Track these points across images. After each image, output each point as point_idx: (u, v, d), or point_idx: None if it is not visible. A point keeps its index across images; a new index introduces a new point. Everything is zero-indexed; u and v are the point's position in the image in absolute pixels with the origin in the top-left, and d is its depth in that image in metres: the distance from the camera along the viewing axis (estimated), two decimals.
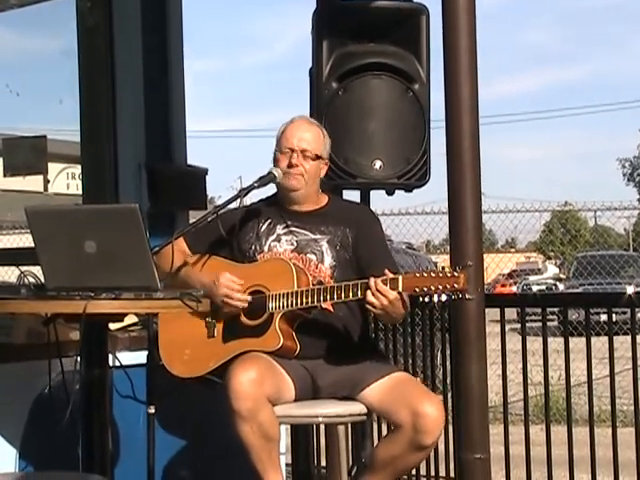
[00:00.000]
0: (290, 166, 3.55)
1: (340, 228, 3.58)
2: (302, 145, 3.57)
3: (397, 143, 4.18)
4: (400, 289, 3.22)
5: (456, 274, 3.15)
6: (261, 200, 3.74)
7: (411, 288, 3.21)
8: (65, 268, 3.06)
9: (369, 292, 3.23)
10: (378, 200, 4.42)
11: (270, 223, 3.62)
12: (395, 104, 4.18)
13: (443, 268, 3.19)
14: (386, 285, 3.21)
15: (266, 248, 3.58)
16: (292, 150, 3.56)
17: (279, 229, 3.60)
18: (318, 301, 3.35)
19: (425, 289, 3.18)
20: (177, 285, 3.47)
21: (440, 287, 3.16)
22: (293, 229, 3.59)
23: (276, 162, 3.60)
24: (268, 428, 3.25)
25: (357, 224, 3.60)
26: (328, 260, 3.54)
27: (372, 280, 3.23)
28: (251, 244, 3.59)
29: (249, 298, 3.43)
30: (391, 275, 3.23)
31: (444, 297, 3.24)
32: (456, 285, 3.15)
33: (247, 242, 3.60)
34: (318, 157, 3.59)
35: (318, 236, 3.57)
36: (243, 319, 3.44)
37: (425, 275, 3.18)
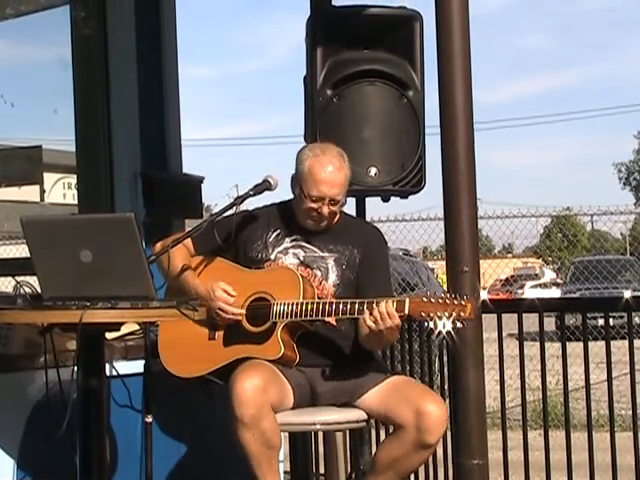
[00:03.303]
0: (318, 215, 3.48)
1: (348, 248, 3.56)
2: (332, 195, 3.46)
3: (392, 150, 4.17)
4: (406, 312, 3.21)
5: (463, 302, 3.16)
6: (274, 204, 3.68)
7: (417, 312, 3.21)
8: (61, 278, 3.05)
9: (376, 309, 3.22)
10: (374, 207, 4.42)
11: (279, 234, 3.58)
12: (390, 111, 4.17)
13: (452, 295, 3.19)
14: (393, 306, 3.21)
15: (272, 257, 3.55)
16: (321, 199, 3.46)
17: (287, 242, 3.57)
18: (322, 315, 3.35)
19: (431, 314, 3.18)
20: (177, 287, 3.49)
21: (446, 314, 3.16)
22: (302, 244, 3.56)
23: (299, 199, 3.50)
24: (270, 436, 3.24)
25: (365, 246, 3.58)
26: (332, 278, 3.52)
27: (381, 299, 3.23)
28: (258, 252, 3.56)
29: (243, 312, 3.42)
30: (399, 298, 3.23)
31: (449, 326, 3.22)
32: (462, 314, 3.15)
33: (254, 249, 3.57)
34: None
35: (326, 254, 3.55)
36: (245, 325, 3.44)
37: (432, 300, 3.18)
